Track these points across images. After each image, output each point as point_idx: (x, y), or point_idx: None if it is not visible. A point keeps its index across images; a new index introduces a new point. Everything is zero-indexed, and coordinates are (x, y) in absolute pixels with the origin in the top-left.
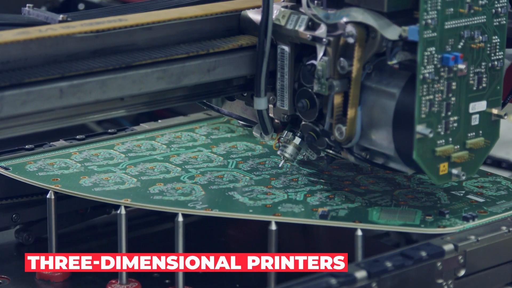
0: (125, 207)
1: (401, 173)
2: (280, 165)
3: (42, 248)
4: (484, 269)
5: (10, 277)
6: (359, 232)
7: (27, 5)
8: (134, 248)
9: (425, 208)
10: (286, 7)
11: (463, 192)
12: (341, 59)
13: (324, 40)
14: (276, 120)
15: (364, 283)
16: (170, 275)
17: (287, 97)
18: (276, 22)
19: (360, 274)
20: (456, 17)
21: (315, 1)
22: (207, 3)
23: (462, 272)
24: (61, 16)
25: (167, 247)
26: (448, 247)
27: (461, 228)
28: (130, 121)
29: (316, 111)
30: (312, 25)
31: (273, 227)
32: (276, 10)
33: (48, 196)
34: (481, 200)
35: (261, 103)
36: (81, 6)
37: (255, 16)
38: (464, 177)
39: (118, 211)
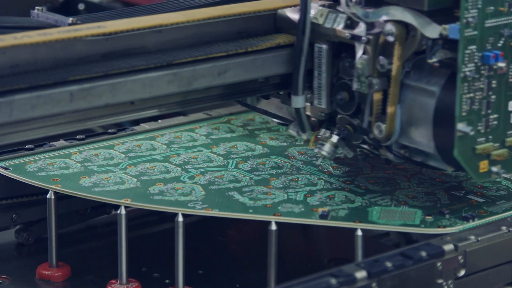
0: (125, 207)
1: (440, 171)
2: (318, 163)
3: (42, 248)
4: (484, 269)
5: (10, 277)
6: (359, 232)
7: (36, 8)
8: (134, 248)
9: (425, 208)
10: (323, 5)
11: (463, 192)
12: (381, 57)
13: (363, 38)
14: (312, 118)
15: (364, 283)
16: (170, 275)
17: (324, 95)
18: (314, 21)
19: (360, 274)
20: (496, 16)
21: (353, 0)
22: (228, 3)
23: (462, 272)
24: (70, 19)
25: (167, 247)
26: (448, 247)
27: (461, 228)
28: (130, 121)
29: (354, 104)
30: (350, 24)
31: (273, 227)
32: (314, 9)
33: (48, 196)
34: (481, 200)
35: (298, 101)
36: (81, 6)
37: (292, 14)
38: (503, 175)
39: (118, 211)
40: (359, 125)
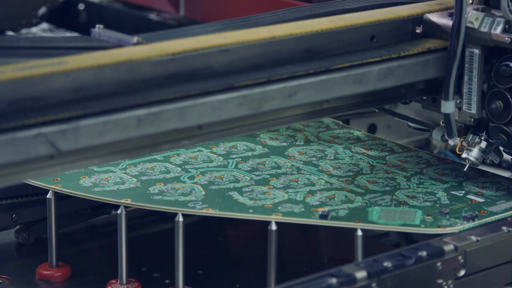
0: (125, 207)
1: None
2: (465, 169)
3: (42, 248)
4: (484, 269)
5: (10, 277)
6: (359, 232)
7: (97, 25)
8: (134, 248)
9: (425, 208)
10: (477, 9)
11: (463, 192)
12: None
13: None
14: (459, 124)
15: (364, 283)
16: (170, 275)
17: (475, 101)
18: (468, 25)
19: (360, 274)
20: None
21: None
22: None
23: (462, 272)
24: (135, 39)
25: (167, 247)
26: (448, 247)
27: (461, 228)
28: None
29: (510, 113)
30: (508, 28)
31: (273, 227)
32: (468, 13)
33: (48, 196)
34: (481, 200)
35: (449, 106)
36: (81, 6)
37: (439, 19)
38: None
39: (118, 211)
40: None
